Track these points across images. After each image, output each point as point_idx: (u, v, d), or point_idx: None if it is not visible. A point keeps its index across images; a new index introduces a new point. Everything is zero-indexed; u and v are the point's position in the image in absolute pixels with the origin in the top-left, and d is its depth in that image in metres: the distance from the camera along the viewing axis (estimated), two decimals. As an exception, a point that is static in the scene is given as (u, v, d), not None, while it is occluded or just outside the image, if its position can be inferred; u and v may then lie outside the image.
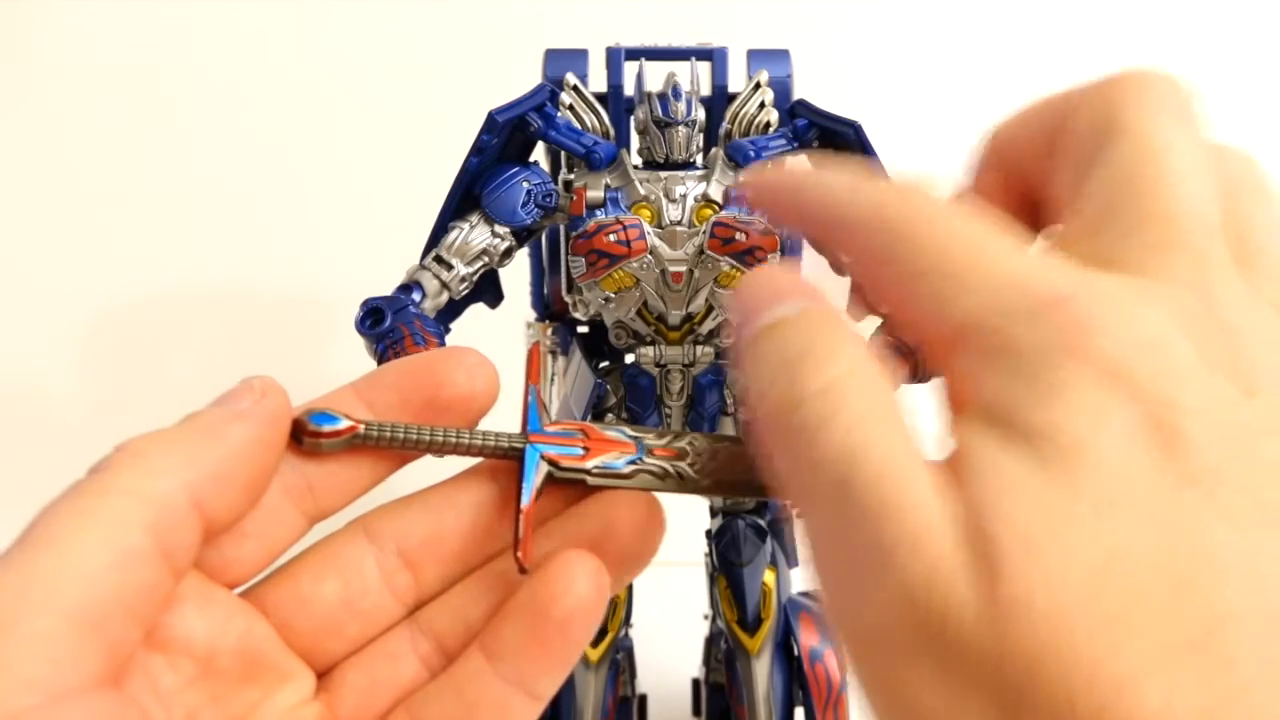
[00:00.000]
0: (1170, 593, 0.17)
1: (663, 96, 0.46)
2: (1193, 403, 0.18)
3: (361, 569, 0.26)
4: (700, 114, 0.47)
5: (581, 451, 0.27)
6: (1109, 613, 0.17)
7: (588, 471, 0.26)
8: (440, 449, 0.26)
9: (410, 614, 0.26)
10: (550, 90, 0.47)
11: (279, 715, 0.24)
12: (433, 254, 0.47)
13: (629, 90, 0.49)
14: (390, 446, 0.26)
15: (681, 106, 0.46)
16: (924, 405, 0.21)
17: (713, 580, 0.54)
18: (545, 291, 0.54)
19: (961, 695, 0.17)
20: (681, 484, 0.27)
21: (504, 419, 0.27)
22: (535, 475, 0.26)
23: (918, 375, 0.46)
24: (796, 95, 0.49)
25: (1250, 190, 0.22)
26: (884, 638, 0.18)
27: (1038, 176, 0.24)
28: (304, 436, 0.25)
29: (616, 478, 0.27)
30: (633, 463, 0.27)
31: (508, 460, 0.26)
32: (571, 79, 0.47)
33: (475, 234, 0.47)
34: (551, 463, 0.26)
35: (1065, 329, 0.18)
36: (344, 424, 0.25)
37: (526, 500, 0.25)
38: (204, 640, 0.24)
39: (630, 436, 0.27)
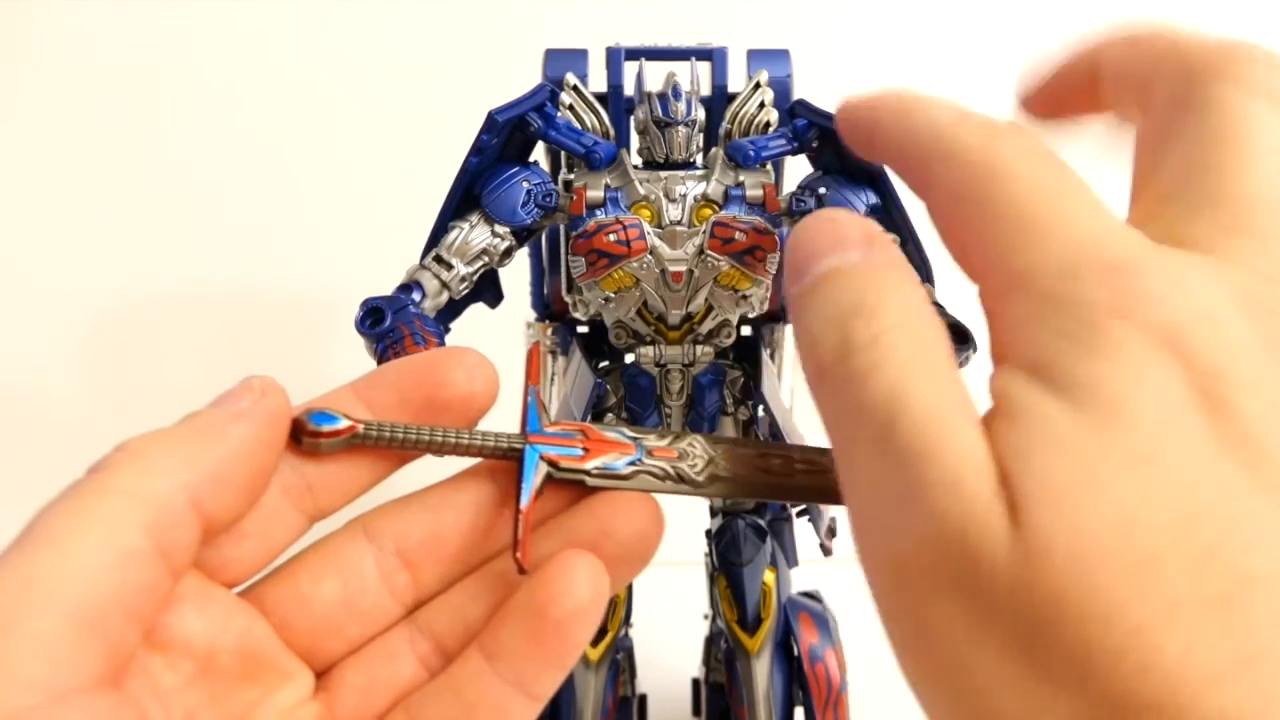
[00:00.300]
0: (1198, 551, 0.17)
1: (663, 96, 0.46)
2: (1243, 376, 0.18)
3: (360, 569, 0.26)
4: (700, 114, 0.47)
5: (581, 452, 0.27)
6: (1132, 562, 0.17)
7: (587, 472, 0.26)
8: (439, 449, 0.26)
9: (409, 614, 0.26)
10: (550, 90, 0.47)
11: (278, 715, 0.24)
12: (433, 254, 0.47)
13: (629, 90, 0.49)
14: (389, 446, 0.26)
15: (681, 106, 0.46)
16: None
17: (712, 580, 0.54)
18: (545, 291, 0.54)
19: (984, 629, 0.18)
20: (680, 485, 0.27)
21: (503, 419, 0.27)
22: (534, 476, 0.26)
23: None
24: (796, 95, 0.49)
25: None
26: (916, 573, 0.19)
27: (1106, 106, 0.24)
28: (303, 436, 0.25)
29: (616, 479, 0.26)
30: (632, 464, 0.27)
31: (507, 460, 0.26)
32: (571, 79, 0.47)
33: (475, 234, 0.47)
34: (551, 463, 0.26)
35: (1121, 293, 0.19)
36: (343, 424, 0.25)
37: (525, 501, 0.25)
38: (203, 640, 0.24)
39: (630, 437, 0.27)
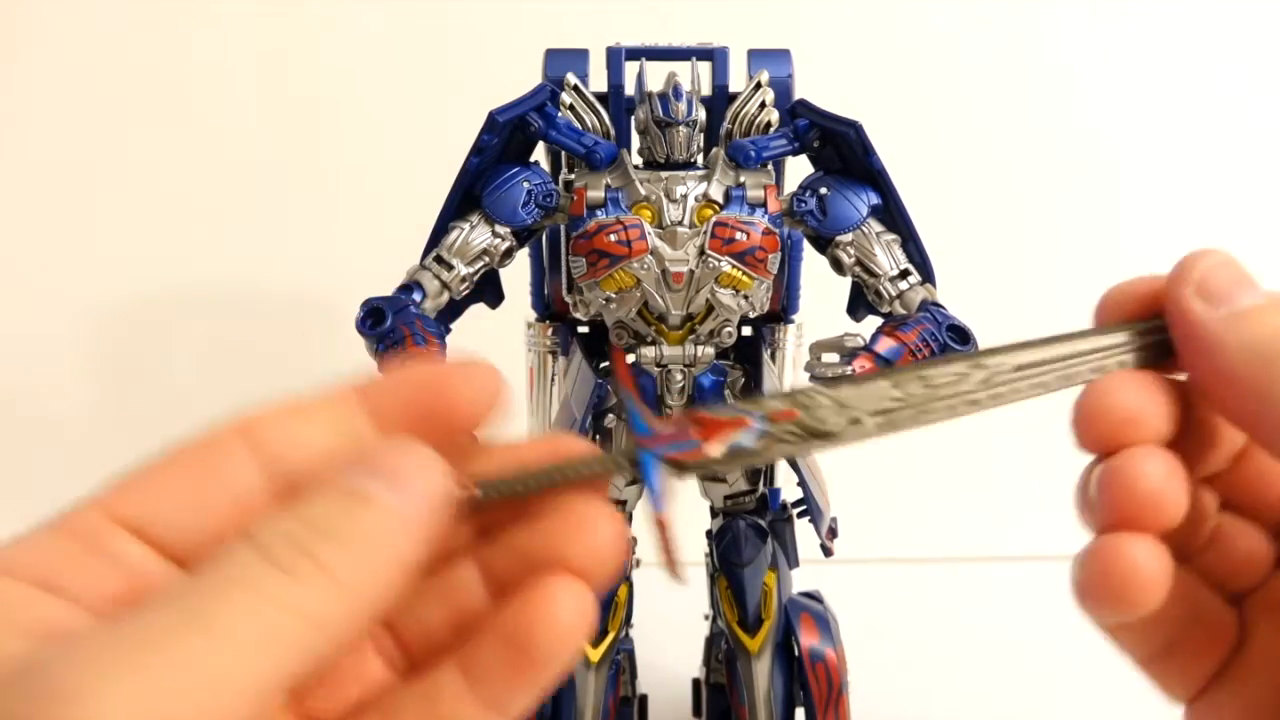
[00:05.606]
0: None
1: (663, 96, 0.46)
2: None
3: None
4: (701, 114, 0.47)
5: (698, 443, 0.25)
6: None
7: (716, 460, 0.25)
8: (565, 487, 0.24)
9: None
10: (551, 90, 0.47)
11: None
12: (433, 254, 0.47)
13: (629, 90, 0.49)
14: (510, 498, 0.24)
15: (682, 106, 0.46)
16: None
17: (713, 580, 0.54)
18: (546, 291, 0.54)
19: None
20: (816, 440, 0.25)
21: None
22: (657, 479, 0.24)
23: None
24: (797, 95, 0.49)
25: None
26: None
27: None
28: None
29: (750, 456, 0.25)
30: (761, 436, 0.25)
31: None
32: (572, 79, 0.47)
33: (476, 234, 0.47)
34: (674, 463, 0.24)
35: None
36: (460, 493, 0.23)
37: (660, 508, 0.24)
38: None
39: (741, 410, 0.25)
